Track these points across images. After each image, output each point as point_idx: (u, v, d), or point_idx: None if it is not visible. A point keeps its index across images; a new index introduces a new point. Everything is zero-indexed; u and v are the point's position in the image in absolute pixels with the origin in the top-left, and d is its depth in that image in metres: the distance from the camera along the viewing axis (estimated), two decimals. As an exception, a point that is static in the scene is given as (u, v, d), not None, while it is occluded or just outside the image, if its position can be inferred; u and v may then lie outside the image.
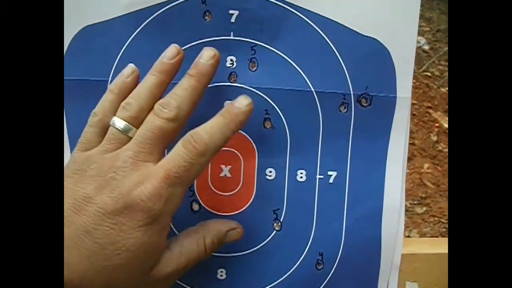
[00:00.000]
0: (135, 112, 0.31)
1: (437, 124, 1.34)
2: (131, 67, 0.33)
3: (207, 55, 0.32)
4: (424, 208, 1.18)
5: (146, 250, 0.29)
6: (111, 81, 0.35)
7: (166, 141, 0.31)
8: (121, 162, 0.29)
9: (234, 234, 0.34)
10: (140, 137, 0.30)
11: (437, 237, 1.09)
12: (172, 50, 0.32)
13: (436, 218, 1.16)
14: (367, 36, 0.35)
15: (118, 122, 0.31)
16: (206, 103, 0.35)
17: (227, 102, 0.35)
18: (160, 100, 0.31)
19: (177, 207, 0.30)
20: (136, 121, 0.31)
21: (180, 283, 0.36)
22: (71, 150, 0.35)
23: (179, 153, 0.30)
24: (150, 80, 0.32)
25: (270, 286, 0.36)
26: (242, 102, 0.32)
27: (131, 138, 0.30)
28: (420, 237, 1.08)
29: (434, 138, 1.31)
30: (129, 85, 0.32)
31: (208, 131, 0.30)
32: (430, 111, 1.36)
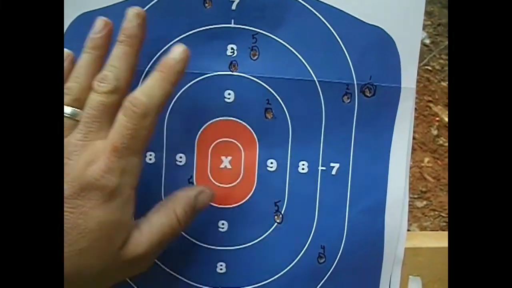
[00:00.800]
0: (76, 94, 0.30)
1: (437, 118, 1.33)
2: (66, 52, 0.32)
3: (132, 15, 0.31)
4: (424, 202, 1.17)
5: (110, 229, 0.29)
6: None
7: (112, 114, 0.30)
8: (72, 146, 0.29)
9: (204, 197, 0.33)
10: (85, 117, 0.29)
11: (437, 231, 1.08)
12: (99, 23, 0.31)
13: (436, 212, 1.16)
14: (371, 25, 0.34)
15: (66, 109, 0.30)
16: (207, 92, 0.34)
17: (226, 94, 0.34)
18: (97, 76, 0.30)
19: (136, 178, 0.30)
20: (80, 103, 0.30)
21: (177, 276, 0.36)
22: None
23: (121, 123, 0.29)
24: (84, 58, 0.31)
25: (271, 280, 0.36)
26: (176, 52, 0.31)
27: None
28: (420, 231, 1.07)
29: (435, 132, 1.30)
30: (67, 69, 0.32)
31: (145, 91, 0.30)
32: (431, 105, 1.35)
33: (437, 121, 1.32)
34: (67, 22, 0.34)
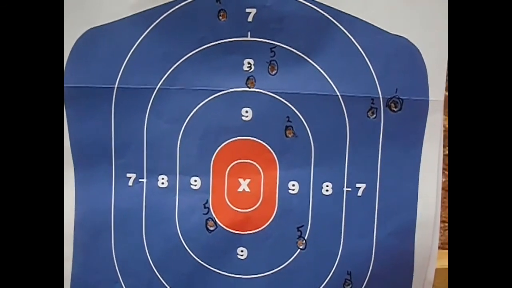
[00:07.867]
0: None
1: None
2: None
3: None
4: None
5: None
6: (117, 88, 0.32)
7: None
8: None
9: None
10: None
11: (446, 243, 1.07)
12: None
13: (446, 224, 1.14)
14: (395, 35, 0.32)
15: None
16: (222, 110, 0.33)
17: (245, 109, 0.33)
18: None
19: None
20: None
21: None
22: (75, 164, 0.33)
23: None
24: None
25: (295, 309, 0.34)
26: None
27: None
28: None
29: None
30: None
31: None
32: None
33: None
34: (73, 39, 0.32)
